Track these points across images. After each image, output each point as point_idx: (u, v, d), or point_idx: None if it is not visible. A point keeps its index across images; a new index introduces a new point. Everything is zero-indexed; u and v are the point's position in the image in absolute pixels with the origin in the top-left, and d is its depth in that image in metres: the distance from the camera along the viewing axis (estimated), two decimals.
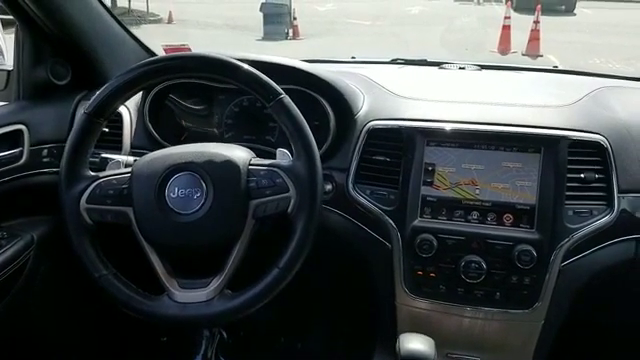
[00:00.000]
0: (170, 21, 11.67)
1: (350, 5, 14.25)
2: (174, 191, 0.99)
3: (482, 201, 1.19)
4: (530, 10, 8.95)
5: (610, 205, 1.15)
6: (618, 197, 1.16)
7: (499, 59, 7.35)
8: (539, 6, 8.33)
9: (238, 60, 1.03)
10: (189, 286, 0.99)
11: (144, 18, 11.50)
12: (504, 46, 8.04)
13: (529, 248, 1.14)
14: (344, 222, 1.27)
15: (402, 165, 1.22)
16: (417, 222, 1.20)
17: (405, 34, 9.72)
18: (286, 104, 1.01)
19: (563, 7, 13.45)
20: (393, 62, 1.79)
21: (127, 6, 11.04)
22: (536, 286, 1.16)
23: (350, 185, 1.24)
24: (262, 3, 10.26)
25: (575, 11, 13.59)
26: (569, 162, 1.16)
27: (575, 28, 10.91)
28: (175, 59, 1.04)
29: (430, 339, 1.06)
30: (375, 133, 1.24)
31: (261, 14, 10.18)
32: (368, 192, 1.24)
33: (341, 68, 1.61)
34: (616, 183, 1.16)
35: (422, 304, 1.23)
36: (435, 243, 1.18)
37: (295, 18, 10.38)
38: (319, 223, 1.00)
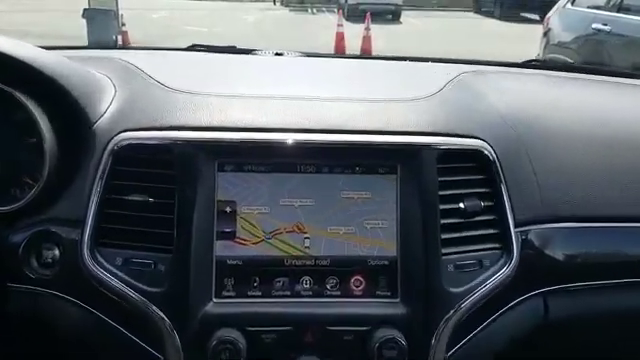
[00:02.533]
0: None
1: (185, 13, 13.46)
2: None
3: (315, 258, 0.71)
4: (360, 18, 9.03)
5: (507, 248, 0.73)
6: (516, 234, 0.73)
7: None
8: (368, 14, 8.46)
9: None
10: None
11: None
12: (340, 52, 7.92)
13: (394, 334, 0.67)
14: (81, 317, 0.70)
15: (177, 207, 0.68)
16: (210, 308, 0.68)
17: (247, 39, 9.29)
18: None
19: (390, 16, 14.01)
20: (191, 49, 1.24)
21: None
22: None
23: (86, 251, 0.68)
24: (84, 9, 9.09)
25: (402, 20, 14.17)
26: (441, 186, 0.70)
27: (403, 35, 11.28)
28: None
29: None
30: (127, 153, 0.69)
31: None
32: (120, 261, 0.69)
33: (105, 54, 1.04)
34: (511, 212, 0.73)
35: None
36: (243, 345, 0.66)
37: (124, 24, 9.36)
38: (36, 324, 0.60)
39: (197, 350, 0.66)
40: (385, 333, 0.67)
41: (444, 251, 0.70)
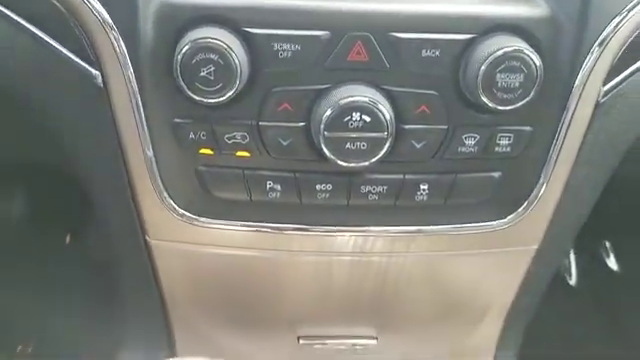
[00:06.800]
0: None
1: None
2: None
3: None
4: None
5: None
6: None
7: None
8: None
9: None
10: None
11: None
12: None
13: (515, 44, 0.35)
14: None
15: None
16: None
17: None
18: None
19: None
20: None
21: None
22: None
23: None
24: None
25: None
26: None
27: None
28: None
29: None
30: None
31: None
32: None
33: None
34: None
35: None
36: (237, 56, 0.36)
37: None
38: None
39: (159, 61, 0.36)
40: (500, 43, 0.35)
41: None
